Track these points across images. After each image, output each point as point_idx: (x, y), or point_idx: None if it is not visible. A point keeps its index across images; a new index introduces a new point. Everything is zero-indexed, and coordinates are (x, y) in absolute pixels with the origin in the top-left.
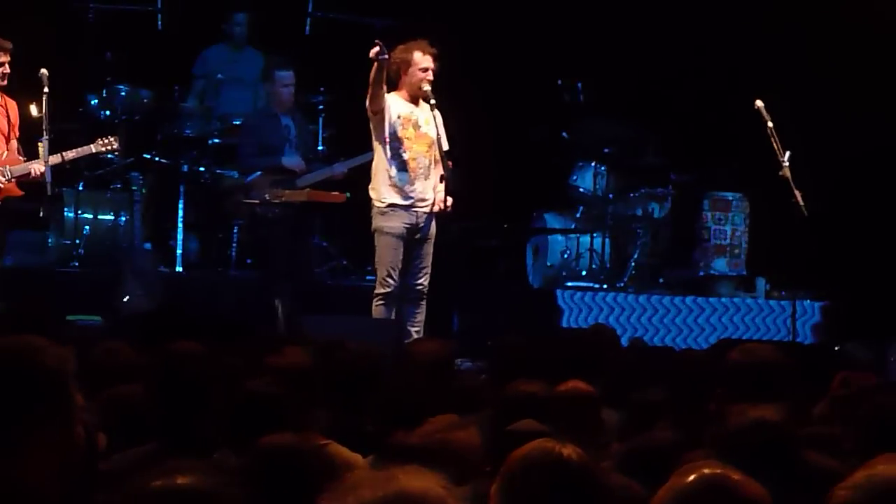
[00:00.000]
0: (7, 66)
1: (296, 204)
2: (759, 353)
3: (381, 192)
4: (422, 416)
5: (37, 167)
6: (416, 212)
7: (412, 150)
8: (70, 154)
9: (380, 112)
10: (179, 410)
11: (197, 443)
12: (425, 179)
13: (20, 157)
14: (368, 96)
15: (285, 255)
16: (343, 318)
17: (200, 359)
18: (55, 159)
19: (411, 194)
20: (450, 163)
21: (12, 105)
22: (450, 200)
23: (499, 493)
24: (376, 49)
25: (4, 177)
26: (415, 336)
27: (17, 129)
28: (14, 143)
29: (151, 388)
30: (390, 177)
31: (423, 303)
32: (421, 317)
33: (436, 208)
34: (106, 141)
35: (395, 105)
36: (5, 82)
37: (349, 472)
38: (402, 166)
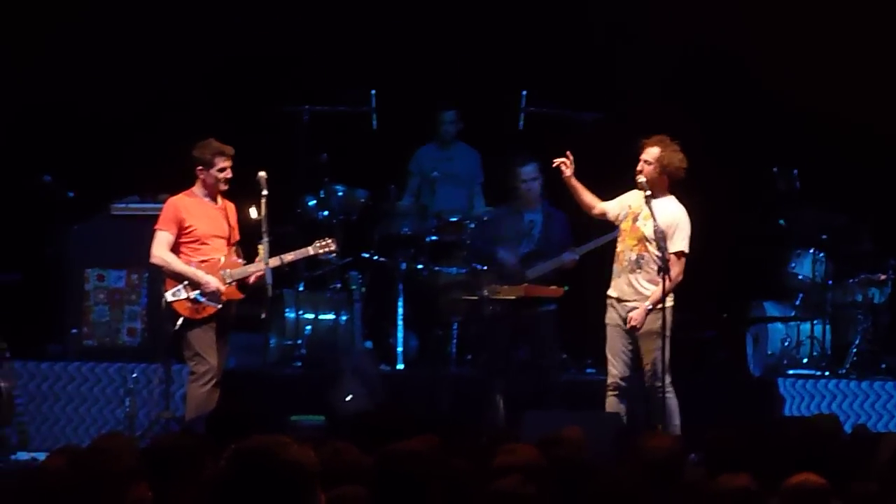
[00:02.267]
0: (229, 170)
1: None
2: None
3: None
4: None
5: (254, 270)
6: (623, 306)
7: (623, 244)
8: (289, 256)
9: (601, 216)
10: None
11: None
12: (629, 273)
13: (239, 261)
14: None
15: (504, 351)
16: (563, 412)
17: (424, 458)
18: (275, 262)
19: (617, 288)
20: (669, 256)
21: (231, 208)
22: (636, 315)
23: None
24: (560, 162)
25: (225, 281)
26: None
27: (237, 233)
28: (234, 246)
29: (375, 489)
30: (614, 268)
31: (664, 399)
32: (658, 415)
33: (639, 308)
34: (324, 243)
35: (634, 198)
36: (227, 187)
37: None
38: (616, 258)
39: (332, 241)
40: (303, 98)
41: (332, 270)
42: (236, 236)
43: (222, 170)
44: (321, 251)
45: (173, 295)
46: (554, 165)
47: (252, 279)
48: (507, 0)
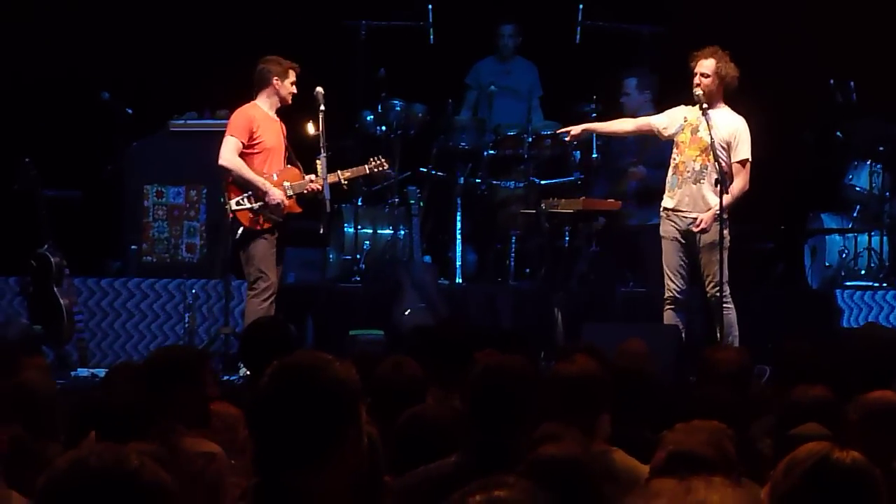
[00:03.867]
0: (295, 87)
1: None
2: None
3: (665, 196)
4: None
5: (314, 184)
6: (684, 217)
7: (683, 154)
8: (346, 174)
9: (647, 132)
10: (493, 424)
11: (508, 457)
12: (693, 184)
13: (299, 173)
14: None
15: (563, 264)
16: (622, 325)
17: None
18: (333, 178)
19: (678, 198)
20: (725, 167)
21: (282, 125)
22: (706, 217)
23: (771, 494)
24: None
25: (287, 194)
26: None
27: (290, 147)
28: (290, 157)
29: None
30: (667, 180)
31: (722, 313)
32: (721, 326)
33: (704, 215)
34: (378, 162)
35: (688, 111)
36: (290, 102)
37: (639, 481)
38: (674, 169)
39: (386, 161)
40: (360, 13)
41: (390, 185)
42: (290, 149)
43: (294, 83)
44: (376, 170)
45: (237, 204)
46: (567, 139)
47: (308, 192)
48: None
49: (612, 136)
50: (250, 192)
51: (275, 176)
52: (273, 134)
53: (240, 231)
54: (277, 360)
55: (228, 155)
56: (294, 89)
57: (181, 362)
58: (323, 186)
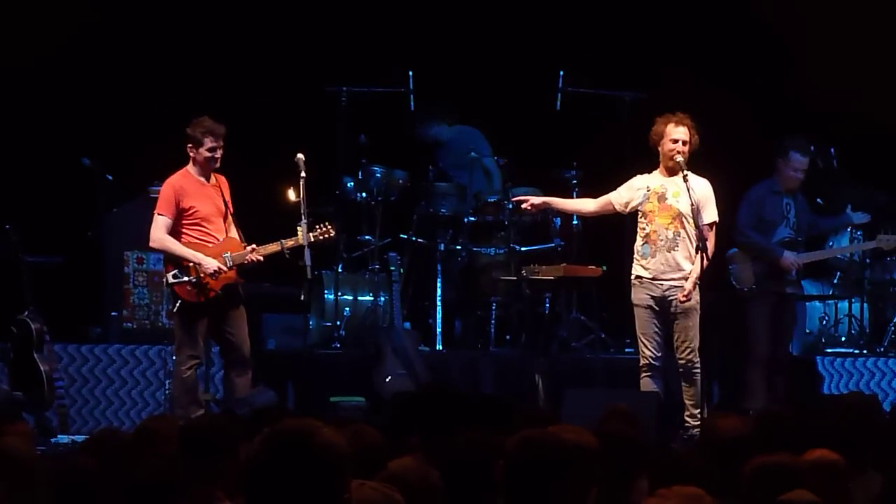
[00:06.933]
0: (219, 150)
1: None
2: None
3: (633, 264)
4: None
5: (253, 255)
6: (660, 284)
7: (654, 223)
8: (289, 242)
9: (607, 210)
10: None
11: None
12: (667, 252)
13: (239, 241)
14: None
15: (544, 330)
16: (603, 391)
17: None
18: (274, 247)
19: (652, 267)
20: (707, 234)
21: (224, 182)
22: (688, 285)
23: None
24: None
25: (227, 264)
26: (690, 411)
27: (231, 207)
28: (230, 222)
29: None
30: (637, 249)
31: (694, 377)
32: (692, 391)
33: (687, 285)
34: (324, 229)
35: (648, 179)
36: (216, 165)
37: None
38: (645, 238)
39: (332, 226)
40: (341, 79)
41: (371, 252)
42: (230, 210)
43: (212, 149)
44: (321, 237)
45: (174, 277)
46: (523, 207)
47: (248, 262)
48: None
49: (574, 213)
50: (186, 265)
51: (221, 239)
52: (205, 199)
53: (177, 304)
54: (268, 427)
55: (155, 234)
56: (215, 154)
57: (219, 430)
58: (304, 253)
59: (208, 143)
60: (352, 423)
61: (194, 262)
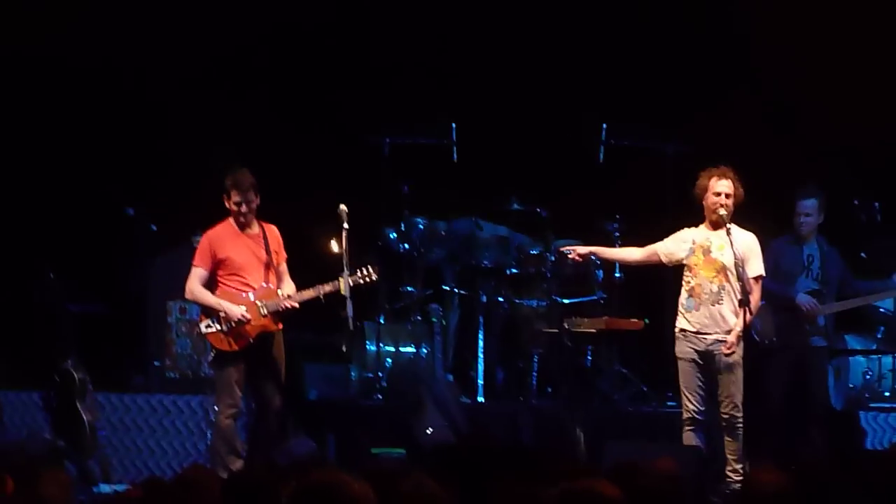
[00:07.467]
0: (245, 205)
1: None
2: None
3: (678, 317)
4: None
5: (288, 302)
6: (704, 338)
7: (698, 277)
8: (327, 287)
9: (653, 261)
10: None
11: None
12: (711, 305)
13: (274, 291)
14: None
15: (585, 382)
16: (644, 443)
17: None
18: (311, 293)
19: (696, 320)
20: (751, 287)
21: (273, 231)
22: (731, 339)
23: None
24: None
25: (261, 313)
26: (732, 465)
27: (282, 255)
28: (281, 270)
29: None
30: (681, 302)
31: (736, 431)
32: (734, 445)
33: (731, 338)
34: (365, 272)
35: (694, 233)
36: (245, 219)
37: None
38: (690, 292)
39: (375, 269)
40: (383, 129)
41: (413, 303)
42: (281, 258)
43: (238, 203)
44: (361, 281)
45: (206, 327)
46: (570, 257)
47: (283, 309)
48: (584, 33)
49: (619, 262)
50: (218, 315)
51: (251, 296)
52: (242, 249)
53: (212, 353)
54: (299, 480)
55: (189, 285)
56: (237, 207)
57: (261, 483)
58: (347, 304)
59: (234, 196)
60: (410, 474)
61: (221, 311)
